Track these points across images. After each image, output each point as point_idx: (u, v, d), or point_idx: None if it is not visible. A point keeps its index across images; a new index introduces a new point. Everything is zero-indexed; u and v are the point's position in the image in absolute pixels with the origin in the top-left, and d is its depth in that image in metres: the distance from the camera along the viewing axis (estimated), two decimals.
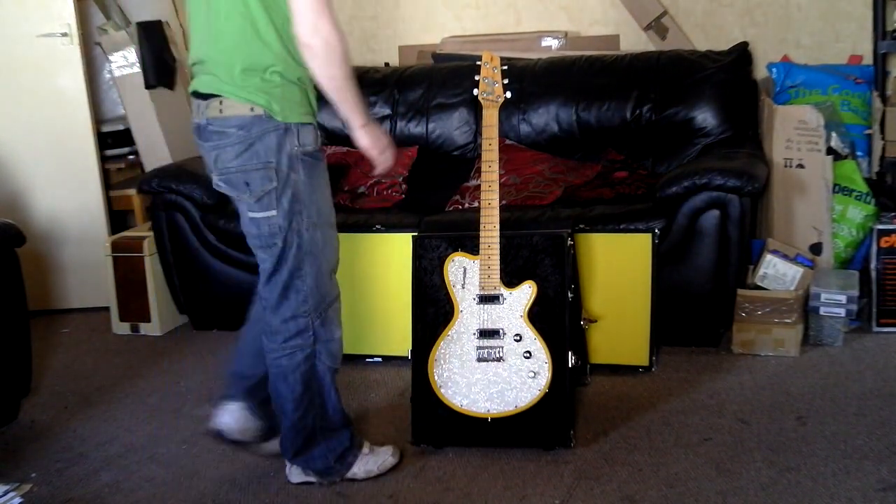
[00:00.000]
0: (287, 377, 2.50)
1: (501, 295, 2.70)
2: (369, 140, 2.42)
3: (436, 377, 2.73)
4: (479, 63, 2.67)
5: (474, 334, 2.72)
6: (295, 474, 2.65)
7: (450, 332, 2.73)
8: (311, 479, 2.63)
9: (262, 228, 2.40)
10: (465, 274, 2.73)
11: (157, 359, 3.75)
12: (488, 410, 2.71)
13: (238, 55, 2.31)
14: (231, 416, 2.62)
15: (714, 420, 2.87)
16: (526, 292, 2.70)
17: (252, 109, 2.31)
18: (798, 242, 3.63)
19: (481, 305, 2.72)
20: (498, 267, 2.69)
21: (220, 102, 2.34)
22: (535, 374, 2.68)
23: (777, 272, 3.49)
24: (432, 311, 2.76)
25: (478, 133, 4.14)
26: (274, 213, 2.36)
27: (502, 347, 2.70)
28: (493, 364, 2.70)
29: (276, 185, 2.34)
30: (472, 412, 2.72)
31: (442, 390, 2.72)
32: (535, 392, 2.68)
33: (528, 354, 2.69)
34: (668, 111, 3.88)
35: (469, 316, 2.73)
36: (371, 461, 2.64)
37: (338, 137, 4.07)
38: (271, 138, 2.32)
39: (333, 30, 2.22)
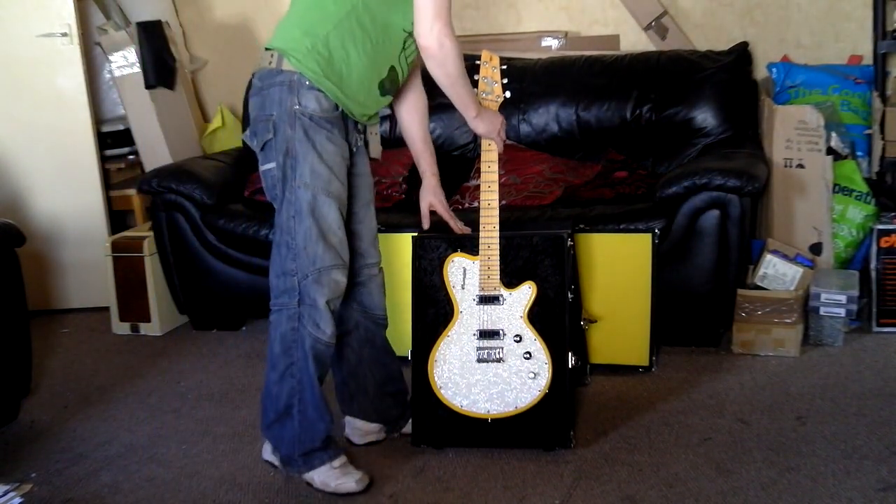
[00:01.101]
0: (272, 333, 2.54)
1: (501, 296, 2.70)
2: (484, 127, 2.64)
3: (436, 378, 2.73)
4: (478, 62, 2.67)
5: (474, 335, 2.72)
6: (266, 450, 2.68)
7: (450, 333, 2.73)
8: (276, 462, 2.64)
9: (267, 181, 2.51)
10: (465, 275, 2.73)
11: (156, 359, 3.75)
12: (488, 411, 2.71)
13: (299, 20, 2.45)
14: (350, 427, 2.85)
15: (714, 420, 2.87)
16: (526, 293, 2.70)
17: (270, 62, 2.44)
18: (798, 242, 3.63)
19: (481, 306, 2.72)
20: (498, 267, 2.69)
21: (261, 56, 2.51)
22: (535, 374, 2.68)
23: (777, 272, 3.49)
24: (432, 311, 2.76)
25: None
26: (273, 165, 2.46)
27: (502, 348, 2.70)
28: (493, 365, 2.70)
29: (272, 137, 2.43)
30: (472, 413, 2.72)
31: (442, 391, 2.72)
32: (535, 393, 2.68)
33: (528, 355, 2.69)
34: (668, 111, 3.88)
35: (469, 317, 2.73)
36: (333, 476, 2.55)
37: None
38: (275, 92, 2.43)
39: (448, 33, 2.39)
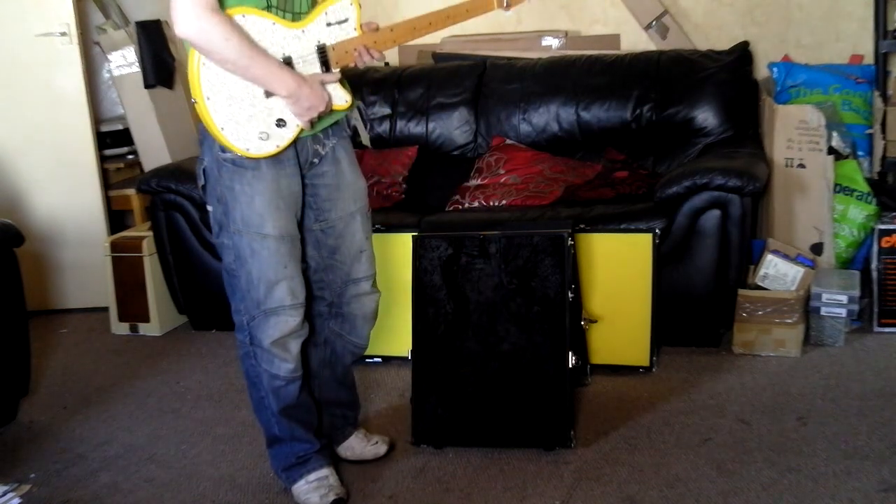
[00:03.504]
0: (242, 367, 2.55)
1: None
2: (307, 103, 2.27)
3: (214, 121, 2.23)
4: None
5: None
6: None
7: None
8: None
9: (210, 221, 2.47)
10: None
11: (156, 359, 3.74)
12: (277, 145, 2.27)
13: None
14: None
15: (715, 420, 2.86)
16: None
17: None
18: (799, 242, 3.63)
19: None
20: None
21: None
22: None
23: (778, 272, 3.49)
24: (432, 311, 2.76)
25: (478, 133, 4.14)
26: (212, 209, 2.44)
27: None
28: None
29: (205, 183, 2.42)
30: (255, 154, 2.26)
31: (224, 133, 2.24)
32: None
33: None
34: (668, 111, 3.87)
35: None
36: (303, 492, 2.52)
37: None
38: (205, 139, 2.38)
39: (203, 17, 2.10)
